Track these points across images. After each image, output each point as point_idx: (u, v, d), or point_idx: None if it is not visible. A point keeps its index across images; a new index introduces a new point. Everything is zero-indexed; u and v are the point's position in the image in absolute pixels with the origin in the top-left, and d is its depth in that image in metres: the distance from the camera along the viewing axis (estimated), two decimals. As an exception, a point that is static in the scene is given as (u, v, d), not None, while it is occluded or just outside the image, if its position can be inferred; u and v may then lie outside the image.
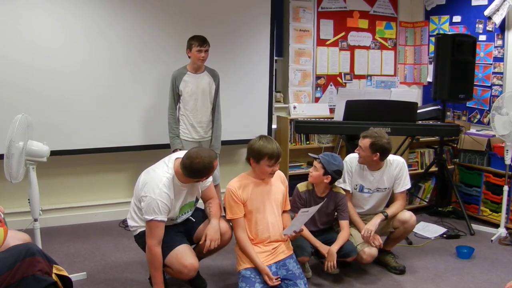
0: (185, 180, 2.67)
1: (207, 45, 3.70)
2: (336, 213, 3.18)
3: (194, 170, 2.58)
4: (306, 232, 3.04)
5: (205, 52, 3.69)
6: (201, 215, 2.94)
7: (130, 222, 2.82)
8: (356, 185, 3.26)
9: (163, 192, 2.58)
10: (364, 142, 3.10)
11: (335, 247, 2.97)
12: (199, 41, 3.66)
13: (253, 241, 2.80)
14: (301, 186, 3.16)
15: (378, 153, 3.08)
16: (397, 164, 3.24)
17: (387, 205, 3.32)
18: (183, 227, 2.86)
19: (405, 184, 3.26)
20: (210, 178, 2.88)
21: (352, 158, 3.27)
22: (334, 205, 3.13)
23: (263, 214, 2.81)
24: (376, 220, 3.12)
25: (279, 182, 2.93)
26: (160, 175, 2.64)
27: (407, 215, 3.20)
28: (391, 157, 3.24)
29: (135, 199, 2.75)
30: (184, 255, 2.65)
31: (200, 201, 2.96)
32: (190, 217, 2.89)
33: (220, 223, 2.82)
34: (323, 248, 2.99)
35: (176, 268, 2.65)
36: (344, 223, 3.11)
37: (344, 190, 3.21)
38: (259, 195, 2.81)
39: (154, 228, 2.58)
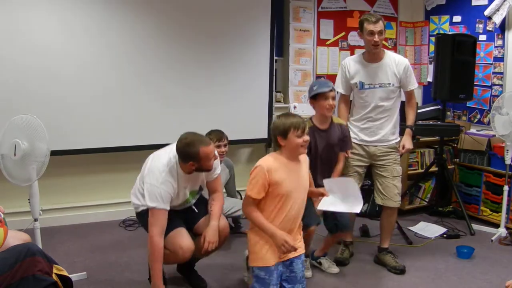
0: (185, 168, 2.67)
1: (225, 139, 3.59)
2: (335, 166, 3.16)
3: (182, 151, 2.59)
4: None
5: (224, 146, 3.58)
6: (204, 208, 2.90)
7: (133, 199, 2.80)
8: (356, 83, 3.23)
9: (166, 181, 2.59)
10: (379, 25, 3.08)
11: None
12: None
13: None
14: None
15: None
16: (402, 62, 3.22)
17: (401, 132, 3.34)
18: (185, 216, 2.85)
19: (414, 83, 3.28)
20: (218, 170, 2.86)
21: (348, 59, 3.32)
22: (337, 137, 3.11)
23: (293, 202, 2.43)
24: (408, 137, 3.25)
25: (306, 166, 2.61)
26: (164, 163, 2.65)
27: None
28: (396, 55, 3.28)
29: (140, 180, 2.75)
30: (180, 236, 2.67)
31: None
32: (193, 207, 2.89)
33: (219, 222, 2.80)
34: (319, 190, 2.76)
35: (172, 248, 2.65)
36: (341, 155, 3.16)
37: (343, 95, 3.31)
38: (294, 179, 2.45)
39: (157, 215, 2.57)
